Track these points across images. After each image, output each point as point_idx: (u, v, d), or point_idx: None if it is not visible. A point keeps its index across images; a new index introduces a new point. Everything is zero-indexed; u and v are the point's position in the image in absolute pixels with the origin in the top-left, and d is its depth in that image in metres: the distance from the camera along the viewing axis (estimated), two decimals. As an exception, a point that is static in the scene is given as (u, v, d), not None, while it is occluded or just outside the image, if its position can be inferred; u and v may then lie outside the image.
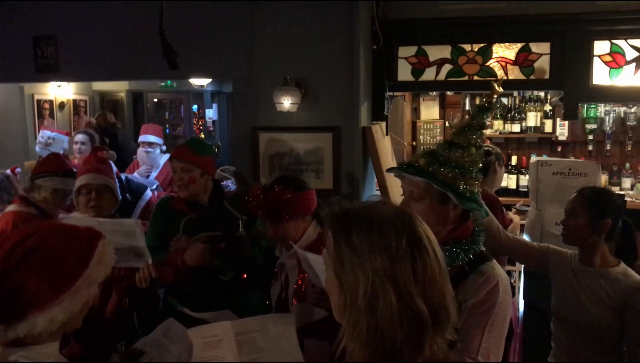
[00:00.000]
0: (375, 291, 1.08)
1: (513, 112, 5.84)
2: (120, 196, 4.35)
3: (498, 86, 2.30)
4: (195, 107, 11.61)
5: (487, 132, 5.84)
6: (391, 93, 4.09)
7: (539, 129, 5.78)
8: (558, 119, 5.68)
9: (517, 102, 5.83)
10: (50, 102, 9.28)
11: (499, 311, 1.89)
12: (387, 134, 4.19)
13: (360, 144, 3.77)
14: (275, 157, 3.82)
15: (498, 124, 5.85)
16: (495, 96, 2.27)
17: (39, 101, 9.00)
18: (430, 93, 5.78)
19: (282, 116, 3.73)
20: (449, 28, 3.94)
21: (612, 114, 5.56)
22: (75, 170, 3.31)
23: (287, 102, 3.63)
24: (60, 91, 9.32)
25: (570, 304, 2.61)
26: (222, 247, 2.91)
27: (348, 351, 1.10)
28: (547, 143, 5.91)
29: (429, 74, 4.02)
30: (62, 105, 9.57)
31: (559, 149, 5.84)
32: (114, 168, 4.91)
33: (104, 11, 3.92)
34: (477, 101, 5.86)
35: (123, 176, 5.04)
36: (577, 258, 2.66)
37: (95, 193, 3.08)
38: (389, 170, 2.36)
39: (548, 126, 5.76)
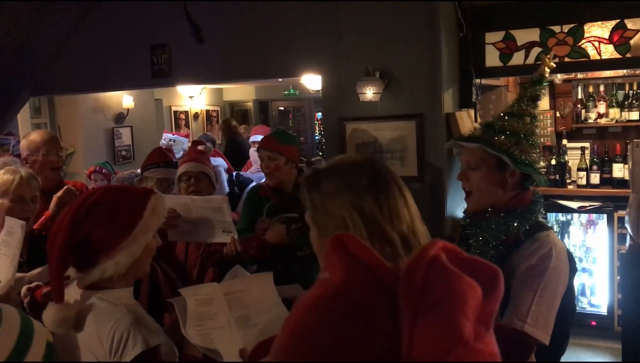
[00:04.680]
0: (345, 222, 1.21)
1: (631, 99, 5.46)
2: (227, 188, 4.77)
3: (549, 59, 2.32)
4: (320, 114, 12.09)
5: (602, 121, 5.53)
6: (479, 80, 4.08)
7: (661, 115, 5.35)
8: (683, 104, 5.22)
9: (635, 88, 5.45)
10: (186, 113, 10.19)
11: (551, 277, 1.90)
12: (476, 121, 4.18)
13: (444, 130, 3.82)
14: (361, 146, 3.98)
15: (614, 112, 5.50)
16: (548, 70, 2.29)
17: (175, 112, 9.94)
18: (538, 83, 5.59)
19: (366, 105, 3.89)
20: (537, 10, 3.85)
21: None
22: (175, 160, 3.71)
23: (369, 92, 3.78)
24: (194, 103, 10.21)
25: None
26: (298, 227, 3.15)
27: None
28: (671, 130, 5.44)
29: (517, 59, 3.96)
30: (196, 115, 10.46)
31: (686, 136, 5.36)
32: (225, 165, 5.40)
33: (209, 20, 4.33)
34: (590, 89, 5.60)
35: (234, 173, 5.51)
36: None
37: (194, 179, 3.44)
38: (447, 145, 2.46)
39: (671, 111, 5.31)
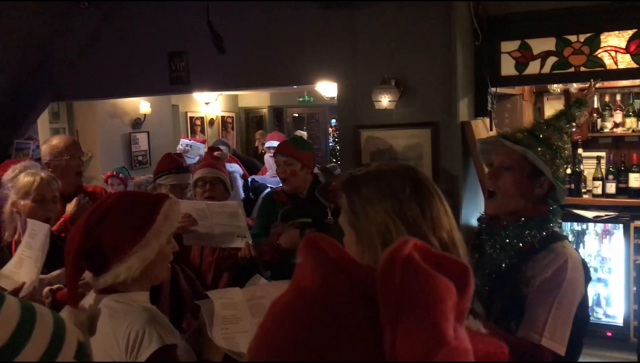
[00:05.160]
0: (388, 228, 1.22)
1: (648, 109, 5.43)
2: (242, 194, 4.81)
3: (593, 85, 2.35)
4: (333, 121, 12.13)
5: (619, 130, 5.50)
6: (494, 89, 4.09)
7: (678, 125, 5.30)
8: (701, 114, 5.18)
9: (651, 97, 5.42)
10: (202, 118, 10.27)
11: (567, 289, 1.90)
12: (491, 130, 4.18)
13: (459, 139, 3.83)
14: (376, 153, 4.00)
15: (631, 122, 5.45)
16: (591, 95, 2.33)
17: (191, 118, 10.02)
18: (553, 91, 5.59)
19: (382, 113, 3.91)
20: (553, 20, 3.86)
21: None
22: (185, 165, 3.74)
23: (385, 100, 3.81)
24: (210, 109, 10.28)
25: None
26: (312, 231, 3.18)
27: None
28: (689, 140, 5.40)
29: (533, 68, 3.97)
30: (211, 121, 10.53)
31: None
32: (241, 171, 5.44)
33: (226, 28, 4.39)
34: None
35: (250, 178, 5.56)
36: None
37: (209, 184, 3.48)
38: (483, 139, 2.45)
39: (689, 121, 5.27)
